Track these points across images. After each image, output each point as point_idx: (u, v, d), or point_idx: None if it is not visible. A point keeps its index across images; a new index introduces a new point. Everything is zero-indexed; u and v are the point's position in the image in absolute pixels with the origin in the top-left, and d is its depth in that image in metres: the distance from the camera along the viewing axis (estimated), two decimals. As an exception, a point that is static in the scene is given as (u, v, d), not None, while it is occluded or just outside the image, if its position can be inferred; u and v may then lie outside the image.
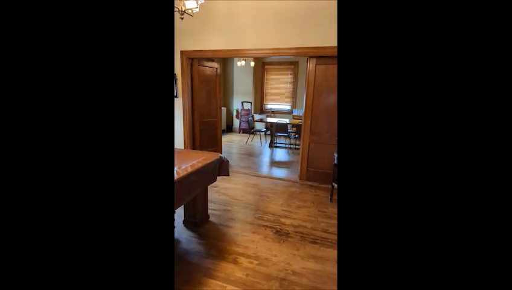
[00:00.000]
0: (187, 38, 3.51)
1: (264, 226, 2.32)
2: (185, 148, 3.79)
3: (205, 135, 4.06)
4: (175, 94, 3.74)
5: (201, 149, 3.88)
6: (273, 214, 2.53)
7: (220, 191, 3.04)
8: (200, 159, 2.08)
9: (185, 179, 1.74)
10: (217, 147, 4.27)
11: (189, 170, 1.82)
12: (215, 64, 4.13)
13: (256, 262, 1.83)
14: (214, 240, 2.09)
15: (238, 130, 7.31)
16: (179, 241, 2.06)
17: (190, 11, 2.28)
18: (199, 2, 2.22)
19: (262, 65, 6.91)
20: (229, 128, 7.48)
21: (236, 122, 7.39)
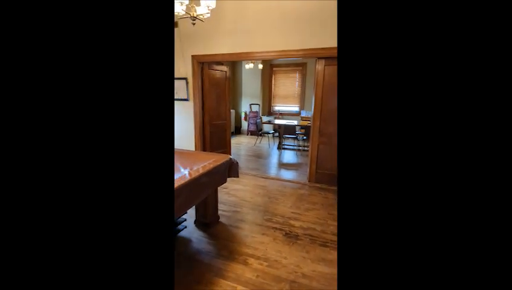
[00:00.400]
0: (198, 43, 3.58)
1: (273, 228, 2.33)
2: (195, 150, 3.85)
3: (215, 137, 4.11)
4: (186, 97, 3.81)
5: (211, 151, 3.93)
6: (282, 216, 2.54)
7: (229, 193, 3.07)
8: (211, 160, 2.12)
9: (197, 180, 1.78)
10: (225, 148, 4.31)
11: (201, 171, 1.86)
12: (224, 68, 4.18)
13: (266, 264, 1.84)
14: (224, 240, 2.12)
15: (246, 132, 7.35)
16: (190, 241, 2.10)
17: (201, 16, 2.33)
18: (210, 8, 2.27)
19: (270, 67, 6.94)
20: (238, 131, 7.53)
21: (244, 125, 7.44)
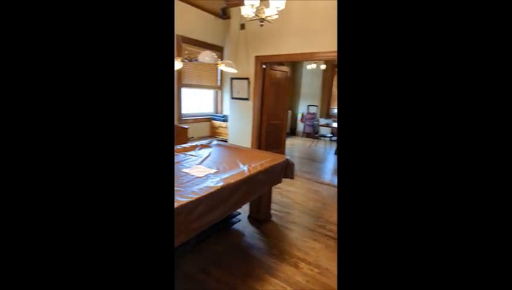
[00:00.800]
0: (262, 44, 3.68)
1: (326, 235, 2.24)
2: (251, 147, 3.98)
3: (271, 136, 4.17)
4: (246, 97, 3.97)
5: (265, 150, 4.00)
6: (336, 225, 2.42)
7: (282, 193, 3.08)
8: (268, 159, 2.15)
9: (255, 177, 1.84)
10: (280, 149, 4.33)
11: (259, 168, 1.91)
12: (286, 68, 4.20)
13: (316, 270, 1.78)
14: (275, 239, 2.13)
15: (301, 134, 7.23)
16: (243, 235, 2.19)
17: (269, 17, 2.38)
18: (279, 9, 2.30)
19: (332, 68, 6.66)
20: (293, 132, 7.47)
21: (300, 126, 7.33)
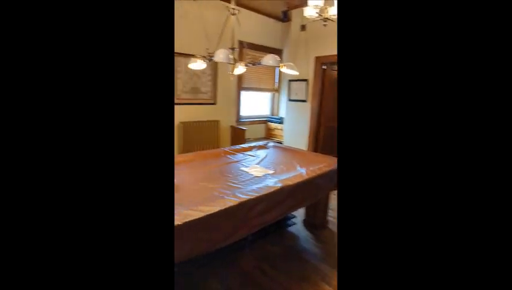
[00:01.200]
0: (322, 44, 3.58)
1: (390, 250, 2.03)
2: (307, 150, 3.90)
3: (328, 139, 4.01)
4: (304, 98, 3.91)
5: (322, 153, 3.86)
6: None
7: (339, 200, 2.92)
8: (326, 163, 2.08)
9: (313, 180, 1.80)
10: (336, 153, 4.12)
11: (317, 172, 1.87)
12: (348, 68, 3.97)
13: (378, 287, 1.63)
14: (331, 247, 2.04)
15: (361, 138, 6.73)
16: (298, 238, 2.16)
17: (333, 16, 2.30)
18: (344, 7, 2.20)
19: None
20: (351, 136, 7.01)
21: (360, 130, 6.83)
